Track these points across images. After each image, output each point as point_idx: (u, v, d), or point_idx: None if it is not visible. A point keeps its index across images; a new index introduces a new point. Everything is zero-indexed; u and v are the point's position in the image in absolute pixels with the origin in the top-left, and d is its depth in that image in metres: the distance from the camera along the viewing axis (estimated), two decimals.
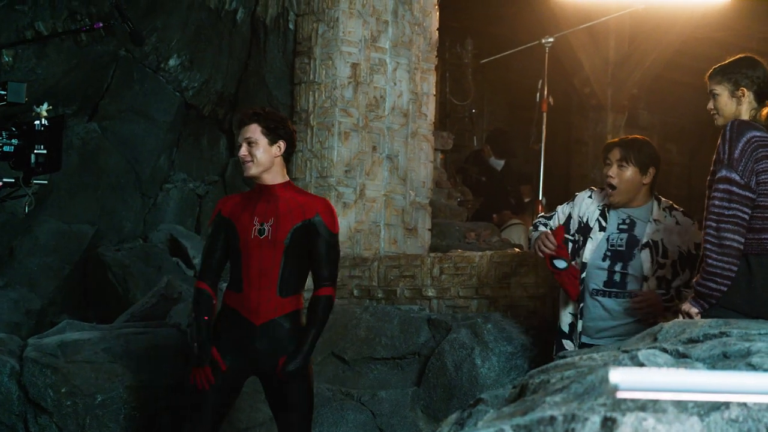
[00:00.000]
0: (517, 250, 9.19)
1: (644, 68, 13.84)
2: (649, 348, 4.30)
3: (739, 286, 5.80)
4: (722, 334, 4.36)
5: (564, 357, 4.73)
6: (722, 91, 6.04)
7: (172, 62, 9.80)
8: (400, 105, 9.49)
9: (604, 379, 3.80)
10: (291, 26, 9.60)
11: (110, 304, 9.24)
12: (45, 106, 6.66)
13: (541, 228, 6.90)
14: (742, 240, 5.76)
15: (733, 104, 6.01)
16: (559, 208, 6.99)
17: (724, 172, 5.78)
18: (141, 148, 9.80)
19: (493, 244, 10.21)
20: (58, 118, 6.89)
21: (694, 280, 5.88)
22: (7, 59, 9.44)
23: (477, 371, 7.78)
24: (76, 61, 9.57)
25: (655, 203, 6.78)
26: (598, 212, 6.82)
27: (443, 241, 10.04)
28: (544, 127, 10.52)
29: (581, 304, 6.79)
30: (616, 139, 7.18)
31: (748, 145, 5.81)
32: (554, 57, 10.58)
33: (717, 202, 5.76)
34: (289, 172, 9.27)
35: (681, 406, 3.53)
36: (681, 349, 4.25)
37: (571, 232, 6.86)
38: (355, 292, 8.83)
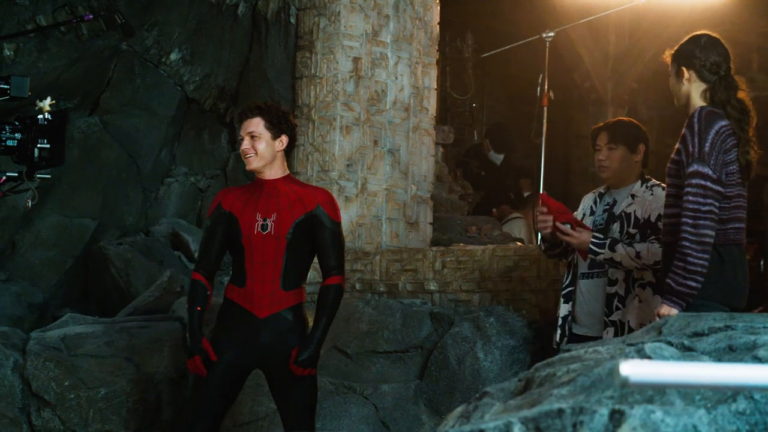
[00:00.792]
0: (519, 244, 9.19)
1: (644, 63, 13.84)
2: (655, 341, 4.30)
3: (710, 277, 5.77)
4: (727, 327, 4.35)
5: (569, 350, 4.73)
6: (671, 72, 6.00)
7: (173, 56, 9.80)
8: (402, 99, 9.49)
9: (612, 372, 3.81)
10: (292, 20, 9.59)
11: (112, 298, 9.25)
12: (48, 101, 6.67)
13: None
14: (714, 234, 5.74)
15: (679, 86, 5.94)
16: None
17: (695, 167, 5.69)
18: (142, 142, 9.80)
19: (495, 238, 10.21)
20: (61, 112, 6.90)
21: (667, 279, 5.81)
22: (8, 53, 9.45)
23: (479, 365, 7.78)
24: (77, 55, 9.57)
25: (639, 182, 6.77)
26: (592, 201, 6.87)
27: (444, 235, 10.04)
28: (544, 121, 10.52)
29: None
30: (601, 124, 7.19)
31: (717, 137, 5.72)
32: (554, 51, 10.59)
33: (692, 198, 5.68)
34: (290, 166, 9.28)
35: (688, 398, 3.54)
36: (686, 342, 4.25)
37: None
38: (357, 285, 8.84)
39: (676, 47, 6.04)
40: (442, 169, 11.13)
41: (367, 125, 9.29)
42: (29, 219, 9.42)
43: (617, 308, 6.42)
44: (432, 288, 8.55)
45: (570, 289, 6.88)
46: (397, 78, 9.46)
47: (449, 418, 4.43)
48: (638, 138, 6.82)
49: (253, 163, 6.33)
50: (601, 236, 6.55)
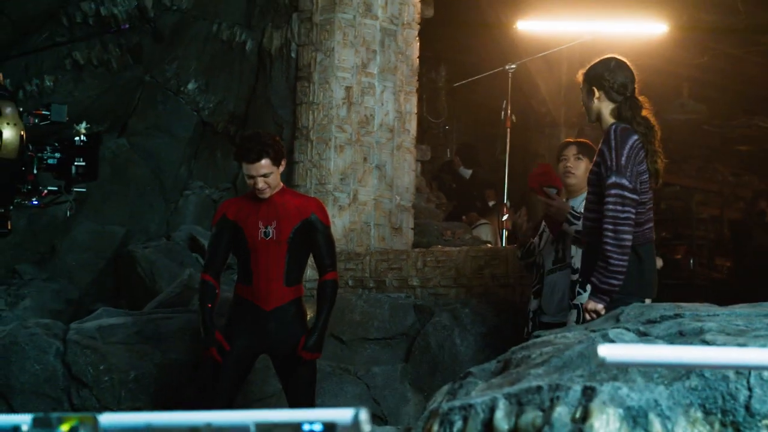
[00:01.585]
0: (489, 245, 9.16)
1: None
2: (614, 328, 4.29)
3: (631, 274, 5.76)
4: (677, 315, 4.34)
5: (539, 336, 4.71)
6: (583, 91, 5.91)
7: (190, 86, 9.77)
8: (387, 122, 9.46)
9: (581, 354, 3.80)
10: (293, 55, 9.57)
11: (139, 294, 9.21)
12: (84, 125, 6.61)
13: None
14: (632, 238, 5.72)
15: (590, 103, 5.86)
16: None
17: (614, 179, 5.67)
18: (164, 160, 9.77)
19: (466, 241, 10.21)
20: (95, 134, 6.84)
21: (592, 278, 5.78)
22: (48, 84, 9.41)
23: (457, 349, 7.78)
24: (107, 86, 9.54)
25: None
26: None
27: (423, 239, 10.03)
28: (507, 141, 10.51)
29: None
30: (571, 140, 7.21)
31: (632, 151, 5.70)
32: (515, 81, 10.56)
33: (611, 207, 5.67)
34: (291, 180, 9.31)
35: (647, 376, 3.52)
36: (642, 328, 4.24)
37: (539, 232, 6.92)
38: (350, 282, 8.81)
39: (587, 68, 5.98)
40: (420, 182, 11.12)
41: (357, 145, 9.26)
42: (67, 227, 9.39)
43: (579, 293, 6.41)
44: (415, 284, 8.53)
45: (538, 287, 6.87)
46: (383, 104, 9.43)
47: (437, 395, 4.40)
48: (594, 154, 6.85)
49: (267, 194, 6.31)
50: (576, 211, 6.54)
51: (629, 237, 5.68)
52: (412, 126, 9.72)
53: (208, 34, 9.78)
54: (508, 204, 10.22)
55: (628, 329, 4.24)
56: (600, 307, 5.69)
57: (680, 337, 4.02)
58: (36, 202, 6.09)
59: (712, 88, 16.60)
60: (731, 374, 3.41)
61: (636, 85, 5.93)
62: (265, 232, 6.30)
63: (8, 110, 5.51)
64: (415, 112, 9.79)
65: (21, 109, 5.61)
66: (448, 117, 14.65)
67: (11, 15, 9.30)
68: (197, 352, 7.68)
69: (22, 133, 5.51)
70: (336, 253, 6.58)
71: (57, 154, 6.49)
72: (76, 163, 6.47)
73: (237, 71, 9.89)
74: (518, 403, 3.47)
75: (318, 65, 9.29)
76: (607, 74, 5.87)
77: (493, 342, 7.75)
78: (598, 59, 6.03)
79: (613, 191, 5.66)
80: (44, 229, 9.39)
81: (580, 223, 6.36)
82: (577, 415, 3.31)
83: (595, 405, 3.29)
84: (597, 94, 5.84)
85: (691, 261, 16.88)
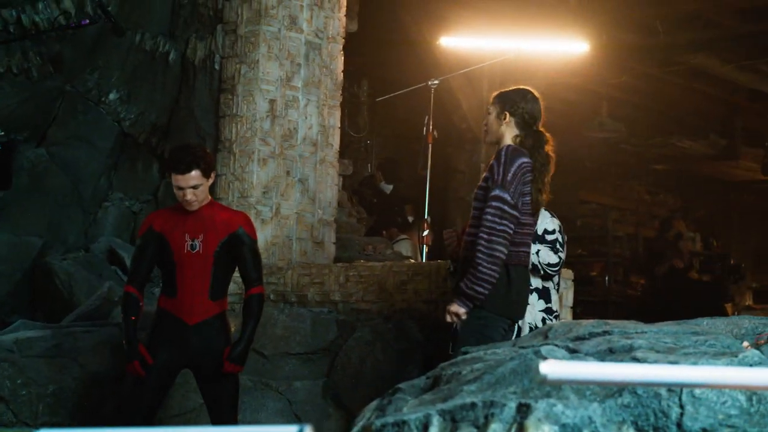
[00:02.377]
0: (412, 261, 9.17)
1: None
2: (543, 345, 4.31)
3: (499, 291, 5.89)
4: (605, 332, 4.38)
5: (467, 352, 4.72)
6: (493, 111, 6.10)
7: (111, 96, 9.66)
8: (311, 136, 9.45)
9: (514, 371, 3.81)
10: (216, 66, 9.51)
11: (56, 307, 9.07)
12: None
13: None
14: (506, 252, 5.83)
15: (497, 125, 6.05)
16: None
17: (497, 192, 5.81)
18: (83, 170, 9.64)
19: (388, 256, 10.22)
20: (9, 142, 6.70)
21: (460, 283, 5.91)
22: None
23: (379, 364, 7.77)
24: (27, 94, 9.39)
25: None
26: None
27: (345, 253, 10.02)
28: (429, 156, 10.53)
29: None
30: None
31: (519, 170, 5.86)
32: (437, 97, 10.60)
33: (490, 218, 5.81)
34: (213, 193, 9.21)
35: (580, 393, 3.54)
36: (571, 345, 4.26)
37: None
38: (272, 296, 8.76)
39: (504, 92, 6.16)
40: (342, 196, 11.10)
41: (280, 158, 9.23)
42: None
43: None
44: (337, 298, 8.51)
45: None
46: (306, 117, 9.41)
47: (365, 411, 4.39)
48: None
49: (195, 207, 6.28)
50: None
51: (502, 250, 5.82)
52: (336, 140, 9.71)
53: (131, 44, 9.68)
54: (429, 220, 10.23)
55: (557, 346, 4.26)
56: (462, 311, 5.90)
57: (610, 354, 4.05)
58: None
59: (630, 108, 16.82)
60: (663, 392, 3.44)
61: (542, 121, 6.12)
62: (191, 245, 6.25)
63: None
64: (339, 126, 9.78)
65: None
66: (369, 132, 14.66)
67: None
68: (117, 366, 7.59)
69: None
70: (262, 268, 6.57)
71: None
72: None
73: (160, 82, 9.80)
74: (452, 420, 3.47)
75: (242, 77, 9.25)
76: (523, 103, 6.09)
77: (416, 358, 7.76)
78: (515, 87, 6.23)
79: (494, 203, 5.80)
80: None
81: None
82: None
83: (530, 422, 3.30)
84: (507, 118, 6.05)
85: (607, 278, 17.06)
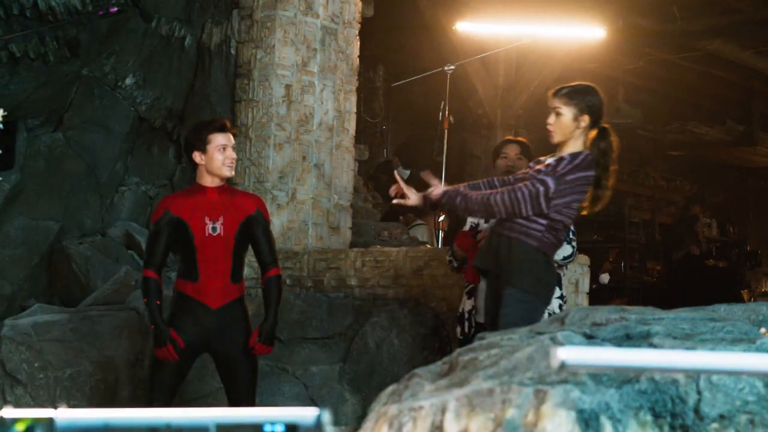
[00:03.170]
0: (428, 246, 9.18)
1: (528, 93, 13.90)
2: (560, 330, 4.30)
3: (545, 279, 5.89)
4: (622, 318, 4.37)
5: (482, 337, 4.72)
6: (567, 113, 5.87)
7: (128, 81, 9.67)
8: (327, 121, 9.46)
9: (531, 357, 3.80)
10: (232, 51, 9.52)
11: (73, 291, 9.10)
12: (0, 111, 6.46)
13: None
14: (501, 214, 5.82)
15: (572, 127, 5.87)
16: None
17: (548, 179, 5.75)
18: (100, 155, 9.66)
19: (404, 241, 10.21)
20: (12, 122, 6.62)
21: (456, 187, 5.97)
22: None
23: (395, 350, 7.78)
24: (44, 79, 9.41)
25: None
26: None
27: (361, 238, 10.02)
28: (445, 141, 10.53)
29: (471, 286, 6.84)
30: (511, 138, 7.24)
31: (582, 180, 5.79)
32: (452, 82, 10.58)
33: (522, 186, 5.76)
34: (229, 178, 9.24)
35: (597, 379, 3.54)
36: (588, 331, 4.25)
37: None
38: (288, 281, 8.78)
39: (576, 91, 5.95)
40: (358, 181, 11.09)
41: (296, 143, 9.24)
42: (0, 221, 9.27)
43: None
44: (353, 283, 8.53)
45: (471, 286, 6.88)
46: (322, 103, 9.42)
47: (382, 396, 4.39)
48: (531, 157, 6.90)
49: (232, 172, 6.32)
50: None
51: (500, 210, 5.77)
52: (351, 125, 9.72)
53: (147, 29, 9.69)
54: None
55: (574, 332, 4.25)
56: (437, 193, 5.99)
57: (627, 340, 4.05)
58: None
59: (647, 93, 16.78)
60: (681, 378, 3.44)
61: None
62: (213, 227, 6.24)
63: None
64: (355, 111, 9.79)
65: None
66: (384, 117, 14.65)
67: None
68: (134, 350, 7.62)
69: None
70: (276, 250, 6.59)
71: None
72: None
73: (175, 67, 9.81)
74: (469, 405, 3.47)
75: (258, 62, 9.26)
76: (600, 104, 5.94)
77: (431, 343, 7.77)
78: (582, 84, 6.04)
79: (536, 184, 5.73)
80: None
81: None
82: (530, 418, 3.31)
83: (547, 407, 3.30)
84: (586, 121, 5.87)
85: (623, 264, 17.05)
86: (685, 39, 14.43)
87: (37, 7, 9.04)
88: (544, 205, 5.75)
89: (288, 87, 9.22)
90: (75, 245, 9.27)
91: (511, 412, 3.33)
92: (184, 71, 9.85)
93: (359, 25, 9.82)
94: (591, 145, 5.89)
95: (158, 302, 6.22)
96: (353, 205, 9.90)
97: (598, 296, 13.64)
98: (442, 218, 9.91)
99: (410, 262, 8.27)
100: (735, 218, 20.10)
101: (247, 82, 9.31)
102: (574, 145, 5.89)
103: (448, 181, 10.43)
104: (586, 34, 12.67)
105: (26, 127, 9.37)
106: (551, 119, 5.94)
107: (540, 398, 3.34)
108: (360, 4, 9.85)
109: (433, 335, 7.82)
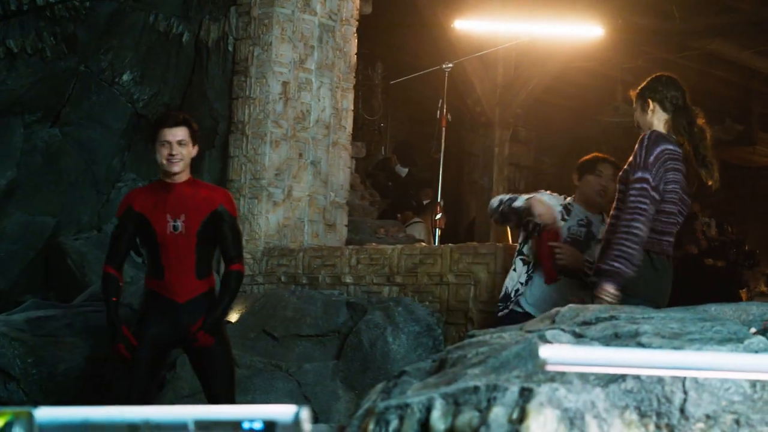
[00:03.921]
0: (423, 244, 9.16)
1: (527, 91, 13.91)
2: (550, 329, 4.30)
3: (645, 279, 5.86)
4: (612, 317, 4.37)
5: (473, 336, 4.71)
6: (637, 107, 6.08)
7: (125, 77, 9.67)
8: (323, 118, 9.45)
9: (518, 355, 3.80)
10: (230, 48, 9.52)
11: (68, 286, 9.10)
12: None
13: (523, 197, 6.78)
14: (646, 230, 5.81)
15: (644, 116, 6.03)
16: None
17: (639, 174, 5.83)
18: (97, 151, 9.66)
19: (400, 239, 10.20)
20: None
21: (599, 263, 5.86)
22: None
23: (389, 348, 7.76)
24: (41, 75, 9.41)
25: (604, 213, 6.78)
26: (560, 208, 6.78)
27: (357, 236, 10.01)
28: (443, 139, 10.51)
29: (529, 272, 6.78)
30: (605, 156, 7.10)
31: (661, 155, 5.85)
32: (450, 80, 10.57)
33: (633, 198, 5.80)
34: (225, 175, 9.26)
35: (584, 378, 3.53)
36: (577, 330, 4.25)
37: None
38: (283, 278, 8.78)
39: (640, 87, 6.13)
40: (355, 179, 11.09)
41: (293, 140, 9.23)
42: None
43: None
44: (348, 281, 8.51)
45: (527, 276, 6.80)
46: (319, 100, 9.41)
47: (371, 394, 4.38)
48: None
49: (179, 167, 6.18)
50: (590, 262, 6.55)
51: (642, 228, 5.77)
52: (348, 123, 9.71)
53: (145, 25, 9.69)
54: (442, 203, 10.23)
55: (563, 330, 4.25)
56: (611, 288, 5.73)
57: (616, 339, 4.04)
58: None
59: None
60: (667, 377, 3.43)
61: (687, 99, 6.10)
62: (174, 225, 6.18)
63: None
64: (352, 108, 9.78)
65: None
66: (383, 115, 14.65)
67: None
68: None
69: None
70: (243, 245, 6.55)
71: None
72: None
73: (173, 63, 9.81)
74: (455, 403, 3.46)
75: (255, 59, 9.25)
76: (660, 87, 6.06)
77: (426, 341, 7.76)
78: (650, 77, 6.18)
79: (637, 185, 5.82)
80: None
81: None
82: (515, 416, 3.30)
83: (532, 406, 3.29)
84: (651, 105, 6.02)
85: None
86: (684, 38, 14.42)
87: (34, 3, 9.03)
88: (655, 194, 5.83)
89: (285, 84, 9.21)
90: (71, 241, 9.28)
91: (496, 411, 3.33)
92: (182, 68, 9.84)
93: (357, 23, 9.81)
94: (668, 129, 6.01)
95: (114, 299, 6.19)
96: (350, 203, 9.90)
97: None
98: (438, 216, 9.90)
99: (405, 259, 8.25)
100: (733, 217, 20.08)
101: (244, 78, 9.31)
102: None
103: (445, 179, 10.45)
104: (584, 33, 12.67)
105: (23, 122, 9.37)
106: (634, 121, 6.18)
107: (525, 397, 3.33)
108: (358, 1, 9.84)
109: (427, 334, 7.81)
